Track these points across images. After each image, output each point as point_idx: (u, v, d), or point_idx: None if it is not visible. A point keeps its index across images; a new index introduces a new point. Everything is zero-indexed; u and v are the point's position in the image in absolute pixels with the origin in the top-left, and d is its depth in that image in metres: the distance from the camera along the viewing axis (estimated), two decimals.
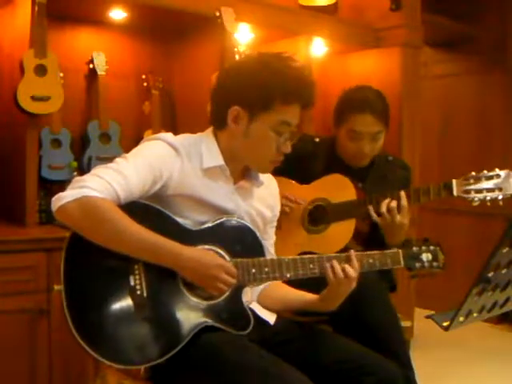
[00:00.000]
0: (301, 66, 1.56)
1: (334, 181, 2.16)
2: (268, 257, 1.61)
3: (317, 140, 2.31)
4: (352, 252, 1.59)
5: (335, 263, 1.55)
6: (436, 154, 4.48)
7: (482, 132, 4.31)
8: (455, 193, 1.94)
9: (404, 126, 3.40)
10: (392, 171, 2.24)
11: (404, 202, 1.96)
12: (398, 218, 1.96)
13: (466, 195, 1.93)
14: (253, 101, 1.51)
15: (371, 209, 2.00)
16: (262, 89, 1.50)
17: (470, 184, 1.92)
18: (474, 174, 1.94)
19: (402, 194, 1.98)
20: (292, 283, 1.69)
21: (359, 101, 2.12)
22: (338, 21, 3.36)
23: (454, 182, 1.95)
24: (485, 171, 1.93)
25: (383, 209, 1.97)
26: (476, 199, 1.92)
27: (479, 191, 1.91)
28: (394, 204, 1.96)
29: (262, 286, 1.72)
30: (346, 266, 1.55)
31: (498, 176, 1.90)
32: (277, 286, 1.71)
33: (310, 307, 1.65)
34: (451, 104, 4.48)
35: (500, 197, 1.90)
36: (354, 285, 1.56)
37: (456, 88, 4.44)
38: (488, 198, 1.91)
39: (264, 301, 1.71)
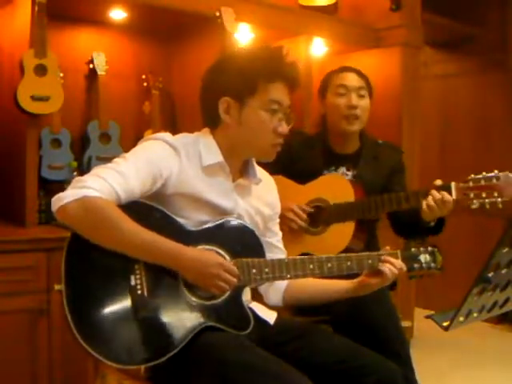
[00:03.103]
0: (278, 46, 1.60)
1: (332, 181, 2.17)
2: (278, 254, 1.65)
3: (308, 135, 2.36)
4: (398, 251, 1.64)
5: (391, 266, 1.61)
6: (436, 154, 4.48)
7: (482, 132, 4.31)
8: (454, 196, 1.91)
9: (404, 126, 3.41)
10: (383, 153, 2.26)
11: (447, 197, 1.90)
12: (444, 211, 1.92)
13: (465, 198, 1.90)
14: (238, 88, 1.55)
15: (424, 203, 1.93)
16: (244, 74, 1.54)
17: (470, 187, 1.89)
18: (472, 176, 1.90)
19: (446, 195, 1.91)
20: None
21: (341, 66, 2.31)
22: (338, 21, 3.36)
23: (453, 184, 1.91)
24: (484, 173, 1.89)
25: (430, 203, 1.91)
26: (475, 202, 1.89)
27: (478, 194, 1.88)
28: (432, 203, 1.90)
29: (284, 286, 1.73)
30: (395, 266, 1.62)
31: (498, 178, 1.86)
32: (308, 281, 1.70)
33: (345, 295, 1.67)
34: (451, 104, 4.48)
35: (499, 199, 1.86)
36: None
37: (456, 88, 4.44)
38: (487, 201, 1.87)
39: (292, 296, 1.73)
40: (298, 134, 2.31)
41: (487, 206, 1.88)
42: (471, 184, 1.89)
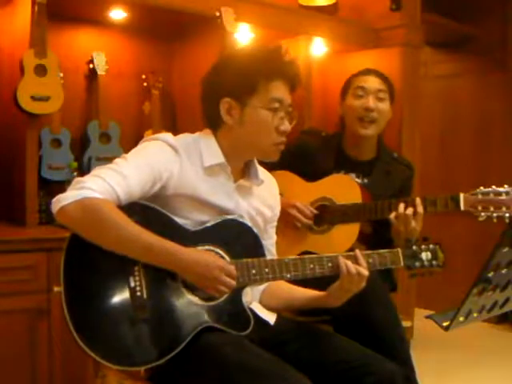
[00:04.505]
0: (277, 45, 1.60)
1: (340, 181, 2.16)
2: (268, 257, 1.61)
3: (324, 134, 2.33)
4: (357, 251, 1.60)
5: (348, 261, 1.56)
6: (436, 154, 4.48)
7: (482, 132, 4.31)
8: (462, 207, 1.92)
9: (404, 126, 3.40)
10: (395, 168, 2.25)
11: (420, 209, 1.95)
12: (413, 224, 1.95)
13: (472, 210, 1.91)
14: (238, 88, 1.54)
15: (392, 216, 1.98)
16: (243, 74, 1.54)
17: (478, 199, 1.90)
18: (482, 188, 1.91)
19: (418, 200, 1.96)
20: (297, 282, 1.69)
21: (364, 69, 2.29)
22: (338, 21, 3.36)
23: (462, 196, 1.93)
24: (493, 186, 1.90)
25: (400, 212, 1.95)
26: (483, 215, 1.90)
27: (486, 208, 1.88)
28: (409, 211, 1.95)
29: (263, 286, 1.72)
30: (358, 266, 1.56)
31: (507, 193, 1.87)
32: (280, 285, 1.71)
33: (315, 304, 1.66)
34: (451, 104, 4.48)
35: (507, 215, 1.87)
36: (363, 284, 1.58)
37: (456, 88, 4.44)
38: (495, 215, 1.88)
39: (267, 300, 1.71)
40: (316, 135, 2.29)
41: (494, 220, 1.89)
42: (480, 197, 1.90)
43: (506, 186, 1.89)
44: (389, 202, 2.02)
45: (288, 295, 1.70)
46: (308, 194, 2.15)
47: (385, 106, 2.22)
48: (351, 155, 2.25)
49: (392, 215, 1.97)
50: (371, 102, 2.18)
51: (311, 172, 2.17)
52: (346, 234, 2.08)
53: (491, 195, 1.88)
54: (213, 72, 1.62)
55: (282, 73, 1.57)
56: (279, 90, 1.57)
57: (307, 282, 1.65)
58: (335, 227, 2.11)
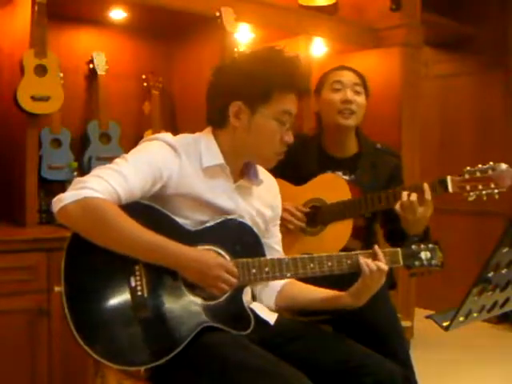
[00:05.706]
0: (294, 55, 1.59)
1: (328, 180, 2.16)
2: (275, 255, 1.63)
3: (305, 137, 2.33)
4: (376, 247, 1.62)
5: (368, 259, 1.58)
6: (436, 154, 4.48)
7: (482, 132, 4.31)
8: (450, 189, 1.92)
9: (404, 126, 3.41)
10: (381, 158, 2.23)
11: (427, 195, 1.92)
12: (420, 210, 1.91)
13: (461, 191, 1.91)
14: (252, 94, 1.53)
15: (398, 206, 1.94)
16: (260, 81, 1.53)
17: (465, 179, 1.90)
18: (468, 168, 1.91)
19: (426, 186, 1.93)
20: (310, 281, 1.69)
21: (338, 65, 2.31)
22: (338, 21, 3.36)
23: (449, 178, 1.93)
24: (479, 165, 1.90)
25: (404, 200, 1.92)
26: (472, 194, 1.90)
27: (474, 186, 1.89)
28: (414, 197, 1.93)
29: (279, 287, 1.72)
30: (377, 261, 1.58)
31: (493, 169, 1.88)
32: (298, 286, 1.71)
33: (338, 304, 1.65)
34: (451, 104, 4.48)
35: (496, 191, 1.87)
36: (383, 279, 1.59)
37: (456, 88, 4.45)
38: (484, 192, 1.88)
39: (285, 301, 1.71)
40: (296, 138, 2.29)
41: (484, 198, 1.89)
42: (467, 176, 1.90)
43: (491, 162, 1.89)
44: (378, 195, 2.01)
45: (311, 296, 1.69)
46: (298, 197, 2.15)
47: (361, 99, 2.22)
48: (333, 154, 2.24)
49: (397, 206, 1.95)
50: (349, 94, 2.18)
51: (296, 177, 2.16)
52: (340, 232, 2.08)
53: (478, 174, 1.89)
54: (225, 71, 1.61)
55: (297, 86, 1.57)
56: (291, 103, 1.57)
57: (317, 282, 1.66)
58: (328, 226, 2.11)
